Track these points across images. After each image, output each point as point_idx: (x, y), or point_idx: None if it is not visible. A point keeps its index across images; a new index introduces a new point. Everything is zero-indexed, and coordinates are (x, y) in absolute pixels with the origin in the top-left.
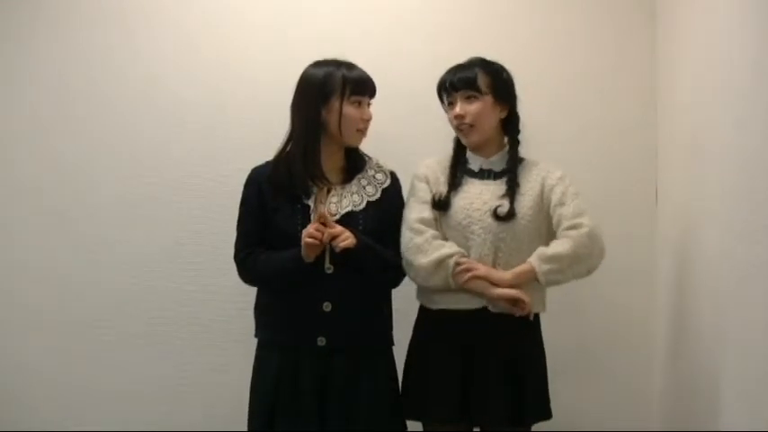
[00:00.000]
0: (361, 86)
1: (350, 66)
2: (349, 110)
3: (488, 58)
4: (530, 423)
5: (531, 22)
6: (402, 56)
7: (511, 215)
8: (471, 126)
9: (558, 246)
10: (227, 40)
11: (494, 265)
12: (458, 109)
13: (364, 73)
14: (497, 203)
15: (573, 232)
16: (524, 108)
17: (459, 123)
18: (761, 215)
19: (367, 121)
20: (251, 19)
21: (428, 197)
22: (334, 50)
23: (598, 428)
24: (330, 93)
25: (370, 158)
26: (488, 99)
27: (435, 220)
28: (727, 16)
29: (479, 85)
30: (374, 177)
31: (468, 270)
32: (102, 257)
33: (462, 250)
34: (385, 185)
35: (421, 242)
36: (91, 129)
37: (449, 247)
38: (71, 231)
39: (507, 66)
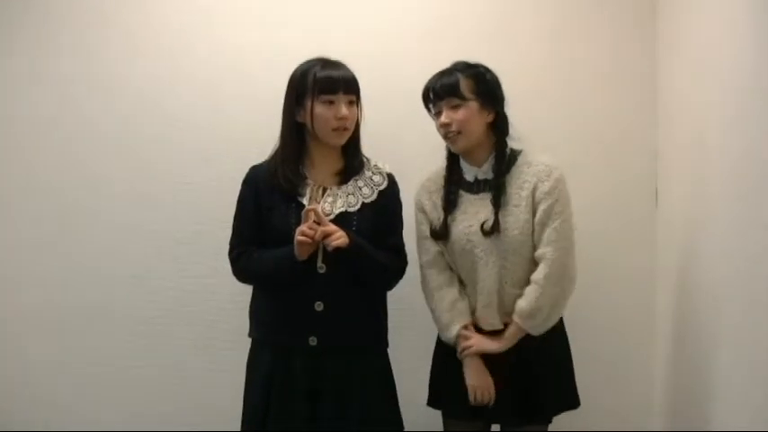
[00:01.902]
0: (330, 85)
1: (326, 64)
2: (319, 109)
3: (470, 60)
4: (544, 420)
5: (531, 22)
6: (400, 56)
7: (495, 230)
8: (458, 133)
9: (533, 300)
10: (226, 39)
11: (501, 283)
12: (443, 117)
13: (336, 71)
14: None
15: (540, 276)
16: (524, 108)
17: (447, 132)
18: (761, 215)
19: (341, 119)
20: (249, 20)
21: (428, 231)
22: (334, 51)
23: (598, 428)
24: (303, 93)
25: (368, 160)
26: (473, 105)
27: (441, 253)
28: (727, 16)
29: (462, 92)
30: (371, 179)
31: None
32: (101, 257)
33: (464, 322)
34: (382, 187)
35: (429, 290)
36: (89, 129)
37: (447, 311)
38: (70, 232)
39: (507, 66)
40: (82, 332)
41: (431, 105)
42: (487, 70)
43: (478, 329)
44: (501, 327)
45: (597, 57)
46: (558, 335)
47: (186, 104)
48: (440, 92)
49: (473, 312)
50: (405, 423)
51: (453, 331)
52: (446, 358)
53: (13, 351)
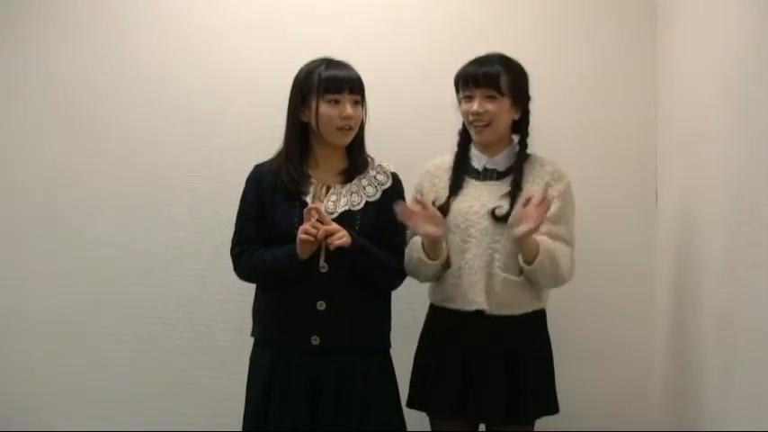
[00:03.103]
0: (335, 84)
1: (330, 63)
2: (324, 109)
3: (507, 54)
4: (529, 420)
5: (530, 22)
6: (403, 56)
7: (508, 217)
8: (487, 125)
9: (558, 252)
10: (227, 41)
11: (489, 268)
12: (476, 106)
13: (342, 70)
14: (496, 205)
15: (566, 248)
16: None
17: (475, 120)
18: (761, 215)
19: (346, 119)
20: (251, 20)
21: None
22: (335, 51)
23: (598, 428)
24: (308, 92)
25: (372, 159)
26: (507, 101)
27: None
28: (727, 16)
29: (501, 86)
30: (375, 178)
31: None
32: (102, 258)
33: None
34: (386, 186)
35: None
36: (90, 130)
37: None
38: (71, 233)
39: None
40: (82, 332)
41: (462, 89)
42: (522, 68)
43: (457, 314)
44: (485, 307)
45: (597, 57)
46: (544, 339)
47: (187, 104)
48: (480, 80)
49: (457, 292)
50: (406, 423)
51: (418, 242)
52: (431, 357)
53: (13, 351)
